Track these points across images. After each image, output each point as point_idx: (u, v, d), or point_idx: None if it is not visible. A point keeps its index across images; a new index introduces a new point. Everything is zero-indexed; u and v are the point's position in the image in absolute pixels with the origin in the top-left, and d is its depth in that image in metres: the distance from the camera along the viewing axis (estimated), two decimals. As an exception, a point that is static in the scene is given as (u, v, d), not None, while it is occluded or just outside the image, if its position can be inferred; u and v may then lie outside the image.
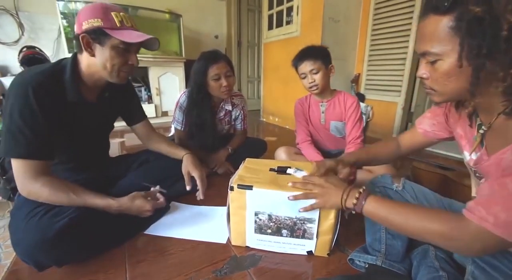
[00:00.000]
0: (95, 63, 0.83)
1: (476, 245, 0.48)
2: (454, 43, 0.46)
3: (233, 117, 1.57)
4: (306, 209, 0.73)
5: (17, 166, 0.73)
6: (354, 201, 0.64)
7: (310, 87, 1.24)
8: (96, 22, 0.78)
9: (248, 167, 0.91)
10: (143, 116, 1.16)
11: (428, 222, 0.53)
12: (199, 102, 1.36)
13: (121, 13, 0.82)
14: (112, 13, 0.80)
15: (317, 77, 1.20)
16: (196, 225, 1.00)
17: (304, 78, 1.24)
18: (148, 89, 3.15)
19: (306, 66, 1.20)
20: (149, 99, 3.15)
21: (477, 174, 0.61)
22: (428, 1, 0.49)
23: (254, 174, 0.85)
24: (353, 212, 0.66)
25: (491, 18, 0.41)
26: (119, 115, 1.11)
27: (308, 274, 0.77)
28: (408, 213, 0.56)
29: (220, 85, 1.29)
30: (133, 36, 0.81)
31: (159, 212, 1.04)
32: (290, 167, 0.87)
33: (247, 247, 0.86)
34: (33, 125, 0.73)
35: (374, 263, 0.72)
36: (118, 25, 0.80)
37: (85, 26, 0.78)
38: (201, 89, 1.33)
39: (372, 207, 0.61)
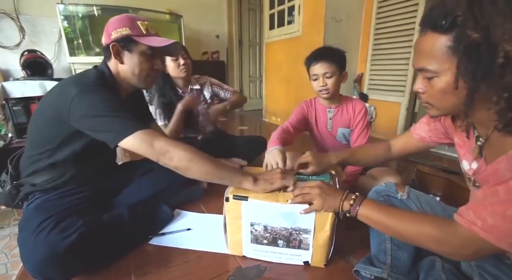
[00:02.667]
0: (124, 69, 0.89)
1: (466, 250, 0.50)
2: (451, 62, 0.47)
3: (207, 96, 1.62)
4: (306, 211, 0.73)
5: (136, 141, 0.75)
6: (351, 202, 0.66)
7: (320, 91, 1.16)
8: (125, 31, 0.84)
9: None
10: (151, 119, 1.19)
11: (421, 226, 0.55)
12: (159, 85, 1.50)
13: (145, 22, 0.88)
14: (138, 22, 0.86)
15: (330, 82, 1.13)
16: (200, 235, 1.00)
17: (315, 80, 1.16)
18: (149, 90, 3.14)
19: (321, 68, 1.13)
20: (150, 100, 3.14)
21: (476, 184, 0.61)
22: (426, 17, 0.49)
23: None
24: (348, 214, 0.68)
25: (488, 44, 0.42)
26: None
27: (314, 286, 0.77)
28: (402, 217, 0.58)
29: (178, 65, 1.43)
30: (159, 42, 0.87)
31: (163, 222, 1.05)
32: None
33: (244, 256, 0.86)
34: (118, 106, 0.78)
35: (380, 276, 0.71)
36: (144, 33, 0.86)
37: (114, 35, 0.84)
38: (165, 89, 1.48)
39: (367, 210, 0.63)
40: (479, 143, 0.57)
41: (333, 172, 0.89)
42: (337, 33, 2.45)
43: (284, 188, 0.80)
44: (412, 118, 2.37)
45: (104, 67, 0.90)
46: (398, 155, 0.88)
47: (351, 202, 0.66)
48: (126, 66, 0.88)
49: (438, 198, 1.19)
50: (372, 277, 0.74)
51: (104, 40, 0.87)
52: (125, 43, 0.84)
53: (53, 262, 0.67)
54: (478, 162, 0.59)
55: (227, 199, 0.79)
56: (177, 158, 0.77)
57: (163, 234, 0.98)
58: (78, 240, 0.70)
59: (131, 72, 0.88)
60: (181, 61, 1.45)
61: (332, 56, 1.14)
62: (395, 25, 2.24)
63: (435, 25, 0.47)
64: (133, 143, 0.75)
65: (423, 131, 0.77)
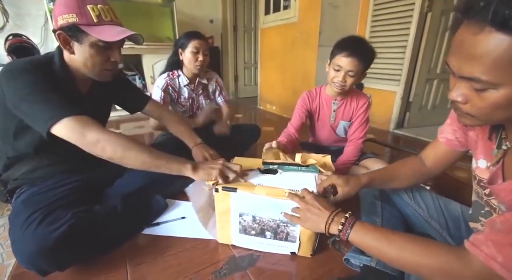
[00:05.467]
0: (75, 59, 0.80)
1: None
2: None
3: (210, 91, 1.62)
4: (287, 217, 0.74)
5: (65, 130, 0.69)
6: (340, 227, 0.59)
7: (335, 83, 1.10)
8: (71, 18, 0.72)
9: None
10: (146, 98, 1.14)
11: (425, 255, 0.46)
12: (174, 65, 1.48)
13: (98, 6, 0.75)
14: (88, 7, 0.74)
15: (350, 81, 1.08)
16: (194, 223, 1.01)
17: (337, 70, 1.08)
18: (142, 77, 3.07)
19: (349, 65, 1.04)
20: (144, 88, 3.08)
21: (481, 184, 0.59)
22: (484, 5, 0.35)
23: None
24: (337, 239, 0.62)
25: None
26: (110, 109, 1.09)
27: (305, 274, 0.79)
28: (402, 244, 0.50)
29: (196, 59, 1.39)
30: (113, 33, 0.76)
31: (157, 212, 1.05)
32: (277, 170, 0.88)
33: (233, 245, 0.88)
34: (47, 89, 0.71)
35: (369, 264, 0.74)
36: (95, 21, 0.74)
37: (60, 21, 0.73)
38: (177, 55, 1.44)
39: (360, 235, 0.56)
40: (504, 147, 0.51)
41: (322, 169, 0.88)
42: (333, 20, 2.40)
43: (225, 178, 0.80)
44: (407, 107, 2.38)
45: (57, 53, 0.80)
46: (434, 168, 0.75)
47: (340, 227, 0.59)
48: (77, 57, 0.78)
49: (428, 187, 1.23)
50: (361, 265, 0.77)
51: (53, 24, 0.77)
52: (72, 32, 0.74)
53: (44, 255, 0.66)
54: (494, 167, 0.53)
55: (216, 190, 0.79)
56: (111, 149, 0.73)
57: (158, 224, 1.00)
58: (69, 231, 0.70)
59: (83, 64, 0.79)
60: (200, 57, 1.38)
61: (365, 55, 1.06)
62: (393, 12, 2.19)
63: (502, 20, 0.34)
64: (62, 131, 0.69)
65: (448, 133, 0.68)
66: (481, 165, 0.59)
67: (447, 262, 0.44)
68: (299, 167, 0.89)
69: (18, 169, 0.85)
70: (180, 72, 1.47)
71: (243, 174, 0.84)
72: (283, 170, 0.88)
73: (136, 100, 1.12)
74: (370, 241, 0.55)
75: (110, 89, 1.00)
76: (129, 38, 0.82)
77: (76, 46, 0.77)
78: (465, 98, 0.43)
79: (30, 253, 0.66)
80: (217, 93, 1.64)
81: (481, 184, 0.59)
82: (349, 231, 0.58)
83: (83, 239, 0.75)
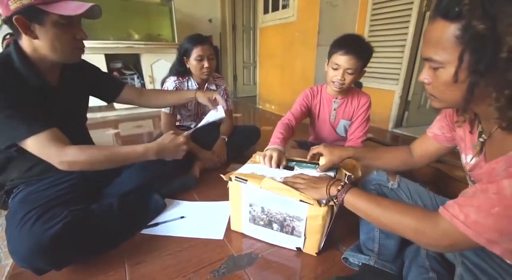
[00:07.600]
0: (41, 46, 0.74)
1: (444, 241, 0.49)
2: (457, 53, 0.44)
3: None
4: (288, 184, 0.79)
5: (35, 144, 0.72)
6: (339, 187, 0.68)
7: (334, 82, 1.11)
8: None
9: (253, 160, 0.97)
10: (121, 84, 1.12)
11: (403, 216, 0.55)
12: (181, 73, 1.45)
13: None
14: None
15: (349, 79, 1.08)
16: (193, 222, 1.01)
17: (335, 69, 1.09)
18: (141, 77, 3.06)
19: (347, 63, 1.04)
20: (143, 87, 3.07)
21: (471, 178, 0.61)
22: (439, 3, 0.46)
23: (255, 169, 0.89)
24: (335, 199, 0.70)
25: (493, 37, 0.40)
26: (87, 102, 1.05)
27: (304, 273, 0.79)
28: (385, 206, 0.59)
29: (202, 66, 1.37)
30: (72, 8, 0.72)
31: (155, 211, 1.05)
32: (294, 167, 0.91)
33: (243, 234, 0.93)
34: (14, 105, 0.70)
35: (367, 263, 0.74)
36: None
37: (13, 5, 0.68)
38: (183, 64, 1.42)
39: (353, 198, 0.65)
40: (481, 139, 0.56)
41: (347, 172, 0.88)
42: (332, 19, 2.40)
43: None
44: (405, 106, 2.38)
45: (13, 49, 0.74)
46: (420, 159, 0.81)
47: (339, 187, 0.68)
48: (42, 42, 0.73)
49: (427, 188, 1.23)
50: (360, 264, 0.77)
51: (2, 12, 0.70)
52: (30, 14, 0.69)
53: (39, 253, 0.66)
54: (477, 158, 0.58)
55: (230, 179, 0.84)
56: (82, 159, 0.77)
57: (157, 224, 0.99)
58: (64, 230, 0.69)
59: (51, 48, 0.74)
60: (205, 64, 1.36)
61: (362, 52, 1.06)
62: (392, 11, 2.19)
63: (445, 12, 0.45)
64: (33, 146, 0.72)
65: (436, 128, 0.74)
66: (469, 160, 0.61)
67: (421, 222, 0.52)
68: (316, 166, 0.90)
69: (14, 169, 0.84)
70: (189, 76, 1.46)
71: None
72: (300, 167, 0.91)
73: (112, 87, 1.10)
74: (361, 204, 0.63)
75: (81, 79, 0.96)
76: (86, 15, 0.77)
77: (38, 29, 0.72)
78: (428, 79, 0.52)
79: (26, 251, 0.66)
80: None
81: (471, 179, 0.61)
82: (344, 194, 0.66)
83: (79, 238, 0.75)
